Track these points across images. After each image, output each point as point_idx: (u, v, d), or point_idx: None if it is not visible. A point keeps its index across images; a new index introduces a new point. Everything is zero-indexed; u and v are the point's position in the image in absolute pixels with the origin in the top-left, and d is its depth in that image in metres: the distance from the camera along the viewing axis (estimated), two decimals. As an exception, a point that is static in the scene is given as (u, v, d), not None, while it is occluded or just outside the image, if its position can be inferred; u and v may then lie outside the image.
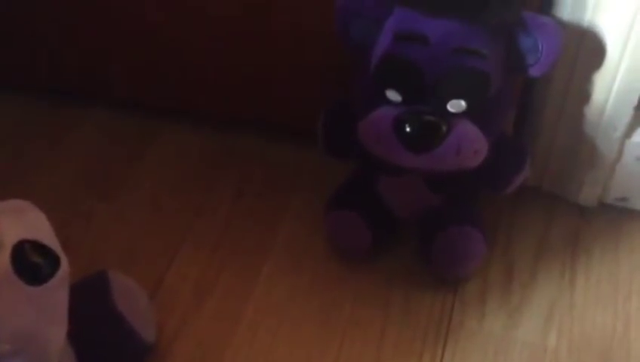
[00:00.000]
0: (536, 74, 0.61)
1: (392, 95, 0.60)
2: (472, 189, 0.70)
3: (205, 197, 0.78)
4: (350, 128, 0.64)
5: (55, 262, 0.42)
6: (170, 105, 0.85)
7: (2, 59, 0.86)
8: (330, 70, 0.73)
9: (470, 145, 0.60)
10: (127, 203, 0.77)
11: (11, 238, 0.41)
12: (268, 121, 0.82)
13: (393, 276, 0.71)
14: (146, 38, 0.79)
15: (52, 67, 0.86)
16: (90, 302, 0.55)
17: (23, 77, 0.89)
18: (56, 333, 0.42)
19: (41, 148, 0.84)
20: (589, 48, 0.65)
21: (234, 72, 0.79)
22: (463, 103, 0.59)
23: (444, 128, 0.58)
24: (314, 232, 0.74)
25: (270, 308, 0.68)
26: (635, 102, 0.67)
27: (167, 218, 0.75)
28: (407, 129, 0.58)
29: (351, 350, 0.65)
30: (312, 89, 0.76)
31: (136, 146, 0.83)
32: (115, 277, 0.59)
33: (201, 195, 0.78)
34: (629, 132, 0.70)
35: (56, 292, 0.43)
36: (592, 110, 0.69)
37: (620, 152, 0.71)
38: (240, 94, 0.81)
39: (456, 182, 0.67)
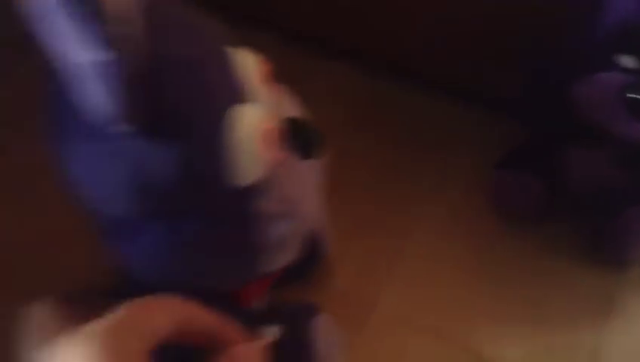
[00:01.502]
0: None
1: (627, 61, 0.57)
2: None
3: (353, 140, 0.76)
4: (552, 94, 0.62)
5: (320, 144, 0.43)
6: (330, 42, 0.83)
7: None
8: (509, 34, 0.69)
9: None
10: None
11: (286, 113, 0.43)
12: (430, 76, 0.80)
13: (555, 246, 0.68)
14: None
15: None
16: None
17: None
18: (311, 211, 0.44)
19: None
20: None
21: (410, 21, 0.76)
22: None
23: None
24: (473, 190, 0.72)
25: (425, 255, 0.67)
26: None
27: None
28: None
29: (510, 308, 0.64)
30: (495, 52, 0.72)
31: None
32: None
33: (349, 139, 0.76)
34: None
35: (317, 172, 0.45)
36: None
37: None
38: (412, 45, 0.78)
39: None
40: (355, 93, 0.81)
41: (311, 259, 0.62)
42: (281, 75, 0.44)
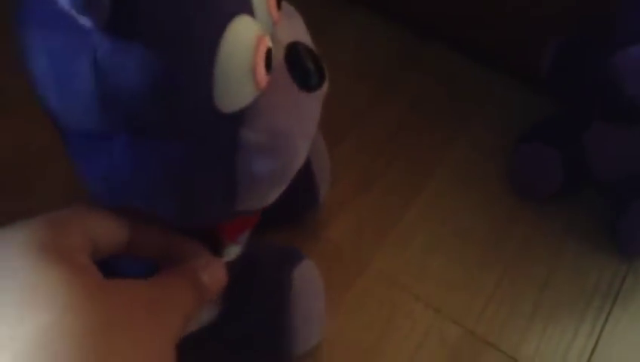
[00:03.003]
0: None
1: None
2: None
3: (381, 90, 0.72)
4: (582, 63, 0.60)
5: (322, 74, 0.38)
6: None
7: None
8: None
9: None
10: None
11: (286, 38, 0.38)
12: (458, 38, 0.76)
13: (570, 227, 0.64)
14: None
15: None
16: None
17: None
18: (304, 149, 0.39)
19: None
20: None
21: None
22: None
23: None
24: (490, 159, 0.68)
25: (432, 219, 0.64)
26: None
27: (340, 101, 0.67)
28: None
29: (512, 283, 0.60)
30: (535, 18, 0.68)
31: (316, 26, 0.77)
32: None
33: (378, 87, 0.73)
34: None
35: (316, 106, 0.40)
36: None
37: None
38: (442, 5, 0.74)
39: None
40: (377, 46, 0.77)
41: (304, 203, 0.59)
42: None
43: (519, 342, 0.57)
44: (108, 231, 0.35)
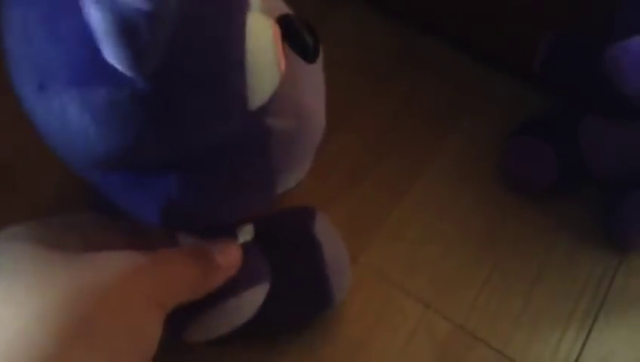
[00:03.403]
0: None
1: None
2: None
3: (374, 84, 0.72)
4: (576, 57, 0.59)
5: (317, 44, 0.38)
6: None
7: None
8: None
9: None
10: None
11: (275, 11, 0.37)
12: (455, 33, 0.75)
13: (562, 222, 0.64)
14: None
15: None
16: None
17: None
18: (322, 117, 0.40)
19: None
20: None
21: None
22: None
23: None
24: (482, 154, 0.68)
25: (424, 213, 0.63)
26: None
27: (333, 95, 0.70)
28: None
29: (503, 278, 0.60)
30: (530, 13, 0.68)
31: (315, 13, 0.76)
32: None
33: (371, 82, 0.72)
34: None
35: (320, 75, 0.41)
36: None
37: None
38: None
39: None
40: (375, 41, 0.76)
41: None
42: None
43: (509, 338, 0.57)
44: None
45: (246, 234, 0.43)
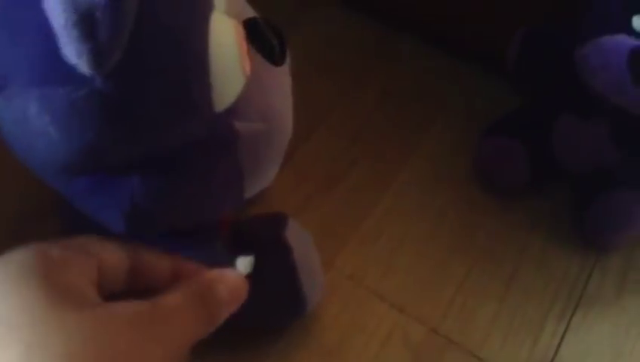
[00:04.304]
0: None
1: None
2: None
3: (349, 86, 0.72)
4: (548, 54, 0.59)
5: (283, 47, 0.38)
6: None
7: None
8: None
9: None
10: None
11: (241, 15, 0.36)
12: (430, 30, 0.75)
13: (536, 222, 0.64)
14: None
15: None
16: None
17: None
18: (290, 120, 0.40)
19: None
20: None
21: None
22: None
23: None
24: (457, 154, 0.67)
25: (399, 215, 0.63)
26: None
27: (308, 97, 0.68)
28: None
29: (478, 279, 0.60)
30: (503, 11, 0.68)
31: (292, 14, 0.76)
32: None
33: (345, 83, 0.72)
34: None
35: (288, 78, 0.40)
36: None
37: None
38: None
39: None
40: (349, 40, 0.76)
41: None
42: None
43: (484, 340, 0.57)
44: (113, 255, 0.33)
45: (247, 264, 0.42)
